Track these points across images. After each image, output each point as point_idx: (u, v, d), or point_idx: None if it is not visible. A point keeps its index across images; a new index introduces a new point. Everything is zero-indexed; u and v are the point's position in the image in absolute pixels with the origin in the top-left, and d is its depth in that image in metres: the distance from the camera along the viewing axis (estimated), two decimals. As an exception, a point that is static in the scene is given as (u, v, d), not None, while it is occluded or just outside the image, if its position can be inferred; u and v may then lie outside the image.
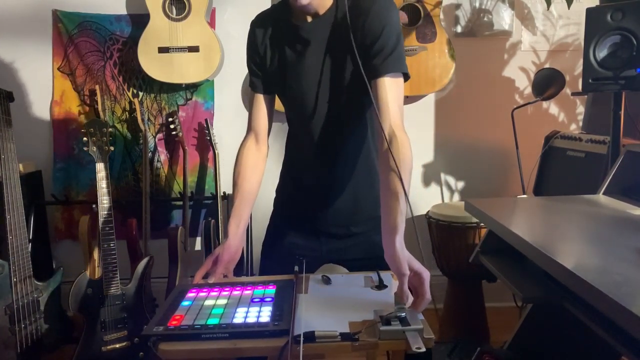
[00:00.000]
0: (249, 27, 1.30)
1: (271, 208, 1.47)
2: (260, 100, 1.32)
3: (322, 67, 1.21)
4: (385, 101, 1.12)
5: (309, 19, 1.20)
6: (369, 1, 1.16)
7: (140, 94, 2.52)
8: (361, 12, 1.15)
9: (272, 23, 1.26)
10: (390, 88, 1.12)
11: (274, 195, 1.47)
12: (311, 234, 1.38)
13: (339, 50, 1.19)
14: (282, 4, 1.26)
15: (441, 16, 2.47)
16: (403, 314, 0.91)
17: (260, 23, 1.28)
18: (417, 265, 0.98)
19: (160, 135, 2.55)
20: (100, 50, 2.48)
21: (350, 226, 1.36)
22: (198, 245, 2.62)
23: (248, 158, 1.32)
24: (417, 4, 2.39)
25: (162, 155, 2.57)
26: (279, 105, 1.36)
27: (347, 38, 1.14)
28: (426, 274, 0.97)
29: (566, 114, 2.66)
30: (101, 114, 2.40)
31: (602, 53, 1.72)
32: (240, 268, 2.43)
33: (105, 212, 1.94)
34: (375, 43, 1.13)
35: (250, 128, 1.34)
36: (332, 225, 1.36)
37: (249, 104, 1.34)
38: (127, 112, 2.53)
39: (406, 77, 1.18)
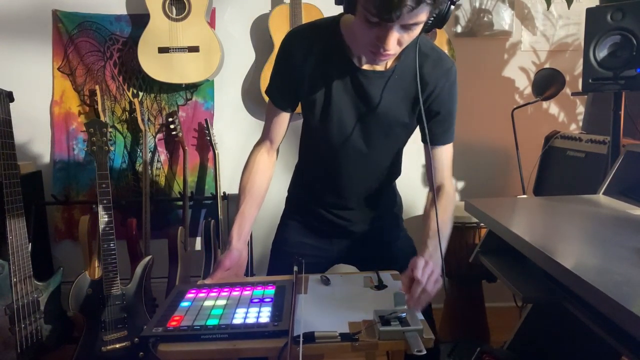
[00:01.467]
0: (285, 40, 1.22)
1: (273, 209, 1.47)
2: (282, 116, 1.28)
3: (375, 117, 1.21)
4: (440, 164, 1.26)
5: (367, 66, 1.17)
6: (440, 72, 1.18)
7: (140, 94, 2.52)
8: (431, 80, 1.18)
9: (317, 47, 1.18)
10: (447, 153, 1.27)
11: (276, 196, 1.47)
12: (322, 235, 1.39)
13: (394, 103, 1.19)
14: (326, 25, 1.19)
15: (441, 16, 2.47)
16: (403, 315, 0.91)
17: (299, 44, 1.19)
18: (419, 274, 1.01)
19: (160, 135, 2.55)
20: (100, 50, 2.48)
21: (362, 229, 1.38)
22: (198, 245, 2.62)
23: (260, 164, 1.30)
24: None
25: (162, 155, 2.57)
26: None
27: (405, 96, 1.19)
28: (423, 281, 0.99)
29: (566, 114, 2.66)
30: (101, 114, 2.40)
31: (602, 53, 1.72)
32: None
33: (105, 212, 1.94)
34: (441, 116, 1.21)
35: (265, 137, 1.32)
36: (343, 228, 1.38)
37: (268, 115, 1.30)
38: (127, 112, 2.53)
39: None
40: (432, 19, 1.00)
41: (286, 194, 1.48)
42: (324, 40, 1.17)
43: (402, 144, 1.31)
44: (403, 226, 1.45)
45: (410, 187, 2.45)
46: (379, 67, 1.17)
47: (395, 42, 0.99)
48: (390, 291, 1.09)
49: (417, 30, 1.00)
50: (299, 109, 1.31)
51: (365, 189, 1.33)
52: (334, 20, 1.18)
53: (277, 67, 1.25)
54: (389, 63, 1.17)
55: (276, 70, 1.25)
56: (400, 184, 1.45)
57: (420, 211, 2.46)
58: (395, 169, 1.36)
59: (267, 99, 1.30)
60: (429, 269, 1.01)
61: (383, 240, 1.38)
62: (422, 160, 2.79)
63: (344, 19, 1.17)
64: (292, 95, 1.25)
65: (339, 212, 1.35)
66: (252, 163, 1.30)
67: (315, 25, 1.21)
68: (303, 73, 1.19)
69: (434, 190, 1.26)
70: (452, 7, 1.01)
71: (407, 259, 1.07)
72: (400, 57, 1.17)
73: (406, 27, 0.97)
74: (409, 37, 1.00)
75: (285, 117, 1.29)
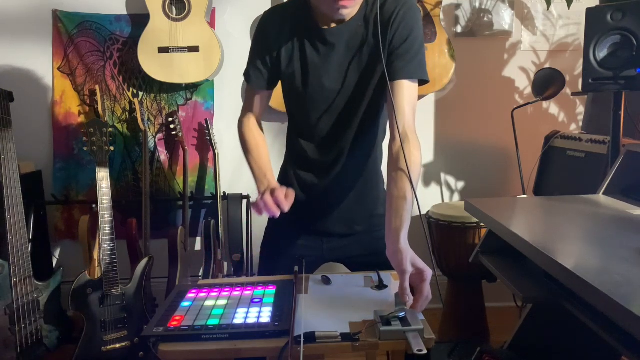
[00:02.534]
0: (259, 22, 1.28)
1: None
2: (256, 95, 1.32)
3: (347, 69, 1.22)
4: (402, 104, 1.16)
5: (333, 24, 1.20)
6: (396, 6, 1.19)
7: (140, 94, 2.52)
8: (388, 16, 1.18)
9: (290, 22, 1.24)
10: (408, 91, 1.17)
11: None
12: (312, 233, 1.38)
13: (363, 53, 1.21)
14: (297, 2, 1.24)
15: (441, 16, 2.47)
16: (403, 314, 0.91)
17: (274, 20, 1.26)
18: (420, 264, 0.99)
19: (160, 135, 2.55)
20: (100, 50, 2.48)
21: (351, 224, 1.37)
22: (198, 245, 2.62)
23: (254, 129, 1.34)
24: (417, 4, 2.38)
25: (162, 155, 2.57)
26: (279, 104, 1.36)
27: (373, 42, 1.18)
28: (428, 272, 0.98)
29: (566, 114, 2.66)
30: (101, 114, 2.40)
31: (602, 53, 1.72)
32: (240, 268, 2.43)
33: (105, 212, 1.94)
34: (400, 47, 1.17)
35: (248, 111, 1.35)
36: (333, 224, 1.36)
37: (247, 96, 1.35)
38: (127, 112, 2.53)
39: (423, 82, 1.22)
40: None
41: None
42: (294, 11, 1.23)
43: (380, 97, 1.25)
44: None
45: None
46: (337, 23, 1.20)
47: None
48: (391, 291, 1.09)
49: None
50: (280, 108, 1.33)
51: (348, 161, 1.29)
52: None
53: (254, 47, 1.29)
54: (353, 14, 1.19)
55: (254, 51, 1.29)
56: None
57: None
58: (374, 133, 1.32)
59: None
60: (429, 278, 0.99)
61: (372, 237, 1.37)
62: (423, 161, 2.81)
63: None
64: (272, 72, 1.28)
65: (326, 200, 1.34)
66: (248, 129, 1.33)
67: (286, 1, 1.28)
68: (279, 46, 1.24)
69: (394, 143, 1.15)
70: None
71: None
72: (360, 10, 1.19)
73: None
74: None
75: (261, 96, 1.33)
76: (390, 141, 1.18)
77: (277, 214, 1.08)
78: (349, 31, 1.20)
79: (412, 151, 1.12)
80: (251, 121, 1.35)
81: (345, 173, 1.32)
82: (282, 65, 1.25)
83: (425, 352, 0.82)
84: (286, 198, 1.10)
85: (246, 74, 1.31)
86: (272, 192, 1.10)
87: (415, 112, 1.19)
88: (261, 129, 1.38)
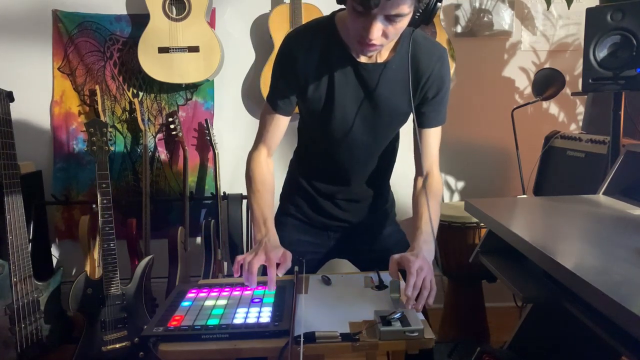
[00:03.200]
0: (284, 44, 1.23)
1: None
2: (281, 121, 1.28)
3: (376, 110, 1.25)
4: (429, 147, 1.31)
5: (365, 59, 1.20)
6: (432, 60, 1.22)
7: (140, 94, 2.52)
8: (424, 68, 1.22)
9: (317, 47, 1.20)
10: (436, 136, 1.31)
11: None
12: (319, 230, 1.42)
13: (395, 97, 1.23)
14: (323, 26, 1.21)
15: (441, 16, 2.47)
16: (398, 314, 0.91)
17: (299, 46, 1.21)
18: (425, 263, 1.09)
19: (160, 135, 2.55)
20: (100, 50, 2.48)
21: (358, 222, 1.41)
22: (198, 246, 2.62)
23: (264, 167, 1.31)
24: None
25: (162, 155, 2.57)
26: None
27: (404, 86, 1.21)
28: (426, 265, 1.07)
29: (566, 114, 2.66)
30: (101, 114, 2.40)
31: (602, 53, 1.72)
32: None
33: (105, 212, 1.94)
34: (434, 98, 1.25)
35: (263, 143, 1.31)
36: (340, 222, 1.41)
37: (266, 121, 1.30)
38: (127, 112, 2.53)
39: None
40: (418, 13, 1.05)
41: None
42: (322, 37, 1.20)
43: (397, 133, 1.38)
44: (396, 221, 1.50)
45: (409, 189, 2.45)
46: (379, 60, 1.20)
47: (379, 32, 1.03)
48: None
49: (402, 22, 1.04)
50: (296, 110, 1.32)
51: (364, 177, 1.37)
52: (330, 17, 1.22)
53: (278, 71, 1.25)
54: (386, 55, 1.21)
55: (278, 75, 1.25)
56: (400, 185, 1.47)
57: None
58: (392, 157, 1.41)
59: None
60: (423, 274, 1.05)
61: (376, 234, 1.41)
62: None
63: (339, 16, 1.20)
64: (293, 97, 1.26)
65: (337, 202, 1.39)
66: (256, 171, 1.29)
67: (312, 25, 1.24)
68: (306, 72, 1.21)
69: (422, 176, 1.33)
70: (439, 4, 1.05)
71: (400, 252, 1.12)
72: (396, 49, 1.21)
73: (389, 19, 1.01)
74: (394, 29, 1.04)
75: (284, 121, 1.29)
76: (417, 175, 1.34)
77: (253, 286, 1.10)
78: (383, 71, 1.21)
79: (434, 185, 1.32)
80: (262, 157, 1.31)
81: (356, 181, 1.37)
82: (308, 92, 1.23)
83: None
84: (280, 266, 1.13)
85: (272, 101, 1.27)
86: (267, 259, 1.12)
87: (438, 151, 1.35)
88: (271, 157, 1.35)
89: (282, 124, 1.29)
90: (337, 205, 1.39)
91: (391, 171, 1.44)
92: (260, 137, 1.31)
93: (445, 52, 1.25)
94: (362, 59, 1.19)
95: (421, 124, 1.28)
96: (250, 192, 1.29)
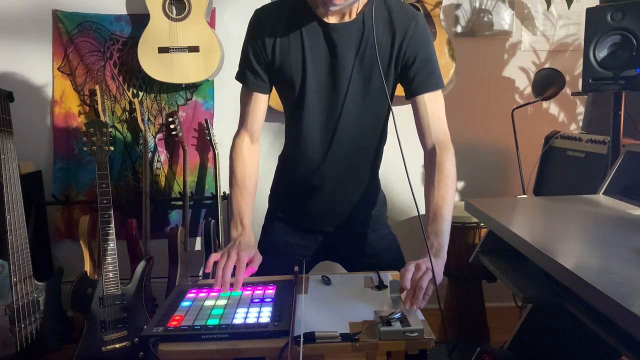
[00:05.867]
0: (252, 18, 1.22)
1: (265, 208, 1.46)
2: (259, 99, 1.26)
3: (350, 75, 1.19)
4: (431, 117, 1.19)
5: (333, 19, 1.17)
6: (406, 20, 1.17)
7: (140, 94, 2.52)
8: (398, 29, 1.17)
9: (285, 16, 1.18)
10: (430, 104, 1.19)
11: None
12: (307, 232, 1.37)
13: (369, 58, 1.18)
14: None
15: (441, 16, 2.47)
16: (398, 315, 0.91)
17: (267, 17, 1.20)
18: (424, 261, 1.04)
19: (160, 135, 2.55)
20: (100, 50, 2.48)
21: (347, 225, 1.36)
22: (198, 245, 2.62)
23: (247, 156, 1.29)
24: (417, 4, 2.39)
25: (162, 155, 2.57)
26: (279, 104, 1.34)
27: (380, 46, 1.16)
28: (424, 265, 1.03)
29: (566, 114, 2.66)
30: (101, 114, 2.40)
31: (602, 53, 1.72)
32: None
33: (105, 212, 1.94)
34: (416, 64, 1.18)
35: (245, 127, 1.29)
36: (329, 224, 1.36)
37: (243, 102, 1.28)
38: (127, 112, 2.53)
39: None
40: None
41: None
42: (289, 6, 1.19)
43: (382, 105, 1.25)
44: (387, 223, 1.42)
45: (403, 190, 2.45)
46: (347, 19, 1.17)
47: None
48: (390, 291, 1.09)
49: None
50: (281, 108, 1.30)
51: (349, 158, 1.28)
52: None
53: (247, 45, 1.23)
54: (353, 13, 1.17)
55: (247, 50, 1.23)
56: (392, 185, 1.43)
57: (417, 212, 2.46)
58: (379, 139, 1.31)
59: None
60: (420, 272, 1.03)
61: (367, 237, 1.36)
62: (422, 160, 2.81)
63: None
64: (266, 70, 1.23)
65: (324, 202, 1.32)
66: (238, 157, 1.28)
67: None
68: (274, 43, 1.19)
69: (428, 152, 1.21)
70: None
71: (390, 256, 1.09)
72: (364, 10, 1.17)
73: None
74: None
75: (261, 100, 1.26)
76: (424, 148, 1.22)
77: (225, 290, 1.09)
78: (355, 31, 1.17)
79: (445, 165, 1.16)
80: (244, 145, 1.29)
81: (346, 178, 1.30)
82: (276, 63, 1.20)
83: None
84: (248, 267, 1.13)
85: (241, 75, 1.25)
86: (237, 260, 1.12)
87: (443, 120, 1.21)
88: (257, 144, 1.32)
89: (259, 104, 1.26)
90: (323, 207, 1.33)
91: (379, 163, 1.36)
92: (240, 121, 1.30)
93: (420, 14, 1.20)
94: (331, 19, 1.16)
95: (414, 91, 1.19)
96: (230, 185, 1.28)
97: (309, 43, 1.18)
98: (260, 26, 1.20)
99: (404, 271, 1.03)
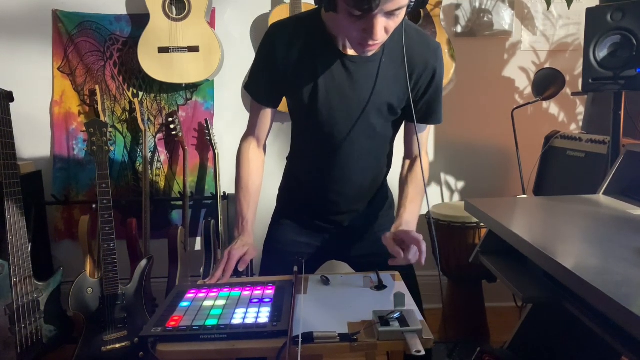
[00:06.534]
0: (267, 35, 1.22)
1: (269, 208, 1.47)
2: (267, 112, 1.28)
3: (364, 107, 1.21)
4: (424, 139, 1.33)
5: (352, 51, 1.17)
6: (429, 56, 1.20)
7: (140, 94, 2.52)
8: (419, 61, 1.19)
9: (300, 39, 1.18)
10: (425, 132, 1.33)
11: (272, 194, 1.47)
12: (315, 231, 1.39)
13: (385, 88, 1.20)
14: (309, 18, 1.19)
15: (441, 16, 2.47)
16: (397, 314, 0.91)
17: (282, 36, 1.19)
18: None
19: (160, 135, 2.55)
20: (100, 50, 2.48)
21: (355, 224, 1.38)
22: (198, 245, 2.62)
23: (252, 161, 1.31)
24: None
25: (162, 155, 2.57)
26: (281, 106, 1.34)
27: (395, 79, 1.19)
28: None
29: (566, 114, 2.66)
30: (101, 114, 2.40)
31: (602, 53, 1.72)
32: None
33: (105, 212, 1.94)
34: (428, 93, 1.23)
35: (251, 134, 1.32)
36: (336, 223, 1.38)
37: (252, 113, 1.30)
38: (127, 112, 2.53)
39: None
40: (413, 1, 1.01)
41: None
42: (307, 30, 1.18)
43: (393, 132, 1.31)
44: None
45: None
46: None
47: (382, 30, 1.00)
48: (390, 291, 1.09)
49: (401, 14, 1.00)
50: (285, 109, 1.31)
51: (357, 178, 1.31)
52: (315, 10, 1.19)
53: (259, 61, 1.24)
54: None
55: (258, 65, 1.24)
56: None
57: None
58: (386, 158, 1.36)
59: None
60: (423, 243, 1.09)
61: (375, 237, 1.35)
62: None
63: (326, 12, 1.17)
64: (276, 90, 1.25)
65: (332, 206, 1.34)
66: (244, 159, 1.31)
67: (297, 17, 1.22)
68: (287, 65, 1.19)
69: (410, 161, 1.35)
70: None
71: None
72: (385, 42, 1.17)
73: (390, 14, 0.98)
74: (394, 23, 1.01)
75: (268, 112, 1.29)
76: (405, 157, 1.37)
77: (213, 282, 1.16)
78: (373, 63, 1.18)
79: (424, 167, 1.28)
80: (251, 149, 1.32)
81: (350, 178, 1.32)
82: (288, 82, 1.21)
83: (423, 353, 0.82)
84: (240, 263, 1.19)
85: (250, 88, 1.27)
86: (229, 257, 1.18)
87: (427, 143, 1.38)
88: (264, 150, 1.37)
89: (266, 115, 1.29)
90: (331, 207, 1.35)
91: (387, 172, 1.40)
92: (248, 127, 1.34)
93: (439, 46, 1.23)
94: (349, 52, 1.17)
95: (420, 121, 1.26)
96: (236, 185, 1.31)
97: (324, 69, 1.18)
98: (273, 45, 1.19)
99: (420, 245, 1.09)
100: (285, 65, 1.19)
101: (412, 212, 1.24)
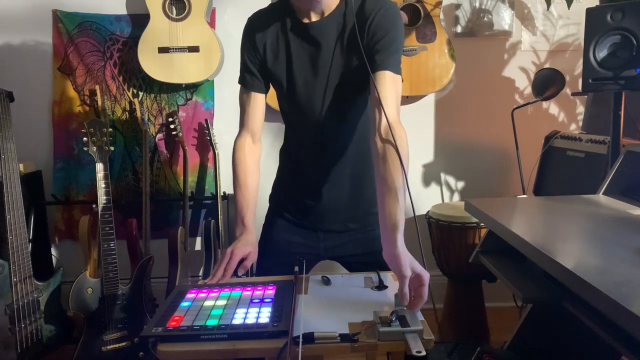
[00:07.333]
0: (245, 25, 1.31)
1: (268, 208, 1.47)
2: (257, 99, 1.32)
3: (330, 65, 1.24)
4: (384, 94, 1.14)
5: (314, 17, 1.22)
6: (376, 6, 1.21)
7: (140, 94, 2.52)
8: (369, 14, 1.20)
9: (274, 21, 1.26)
10: (391, 83, 1.17)
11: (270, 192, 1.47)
12: (309, 230, 1.38)
13: (347, 49, 1.22)
14: (281, 2, 1.27)
15: (441, 16, 2.47)
16: (401, 315, 0.91)
17: (258, 21, 1.29)
18: (419, 268, 0.98)
19: (160, 135, 2.55)
20: (100, 50, 2.48)
21: (348, 222, 1.37)
22: (198, 245, 2.62)
23: (248, 157, 1.33)
24: (417, 4, 2.39)
25: (162, 155, 2.57)
26: (277, 104, 1.37)
27: (354, 37, 1.20)
28: (426, 276, 0.97)
29: (566, 114, 2.66)
30: (101, 114, 2.40)
31: (602, 53, 1.72)
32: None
33: (105, 212, 1.94)
34: (380, 41, 1.19)
35: (245, 127, 1.34)
36: (330, 222, 1.37)
37: (243, 103, 1.34)
38: (127, 112, 2.53)
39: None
40: None
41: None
42: (280, 13, 1.26)
43: (363, 87, 1.25)
44: None
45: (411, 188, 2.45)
46: (326, 15, 1.22)
47: None
48: (390, 292, 1.09)
49: None
50: (275, 105, 1.33)
51: (342, 157, 1.31)
52: None
53: (241, 49, 1.31)
54: (334, 8, 1.22)
55: (242, 53, 1.32)
56: None
57: (419, 211, 2.46)
58: (365, 129, 1.30)
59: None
60: (427, 281, 0.99)
61: (368, 235, 1.37)
62: (423, 161, 2.79)
63: None
64: (260, 73, 1.30)
65: (322, 197, 1.34)
66: (239, 157, 1.33)
67: (272, 3, 1.31)
68: (265, 47, 1.27)
69: (379, 136, 1.13)
70: None
71: None
72: (341, 2, 1.22)
73: None
74: None
75: (258, 100, 1.32)
76: (374, 136, 1.14)
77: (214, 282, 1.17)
78: (332, 25, 1.22)
79: (398, 142, 1.08)
80: (246, 145, 1.33)
81: (339, 170, 1.33)
82: (268, 63, 1.27)
83: (424, 353, 0.82)
84: (245, 260, 1.20)
85: (241, 78, 1.33)
86: (231, 256, 1.18)
87: (399, 105, 1.19)
88: (259, 143, 1.37)
89: (257, 103, 1.32)
90: (324, 204, 1.35)
91: (370, 154, 1.29)
92: (241, 122, 1.35)
93: (393, 4, 1.22)
94: (313, 18, 1.22)
95: (373, 68, 1.17)
96: (234, 184, 1.33)
97: (294, 44, 1.25)
98: (251, 31, 1.29)
99: (402, 285, 0.96)
100: (264, 46, 1.27)
101: (401, 228, 1.02)
